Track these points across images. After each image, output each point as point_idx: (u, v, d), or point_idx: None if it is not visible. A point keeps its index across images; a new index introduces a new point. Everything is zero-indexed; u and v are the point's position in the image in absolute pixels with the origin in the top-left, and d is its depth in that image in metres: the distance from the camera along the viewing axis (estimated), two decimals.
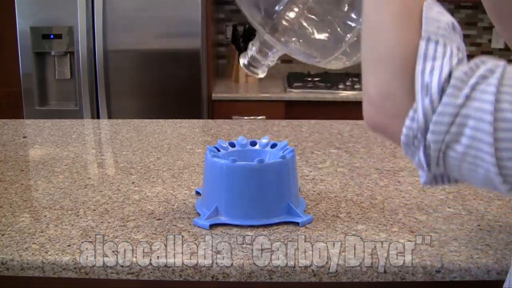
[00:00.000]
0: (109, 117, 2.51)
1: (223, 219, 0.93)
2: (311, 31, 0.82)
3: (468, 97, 0.49)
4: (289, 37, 0.83)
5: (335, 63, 0.84)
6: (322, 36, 0.82)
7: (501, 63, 0.50)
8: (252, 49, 0.87)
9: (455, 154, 0.51)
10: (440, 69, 0.50)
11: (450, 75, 0.50)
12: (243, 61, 0.87)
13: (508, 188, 0.50)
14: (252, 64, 0.87)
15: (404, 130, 0.52)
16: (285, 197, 0.96)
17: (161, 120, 1.71)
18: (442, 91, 0.50)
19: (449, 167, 0.52)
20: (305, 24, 0.81)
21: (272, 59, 0.87)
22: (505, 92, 0.48)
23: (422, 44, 0.52)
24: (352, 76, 2.76)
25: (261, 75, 0.89)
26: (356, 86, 2.63)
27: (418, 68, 0.51)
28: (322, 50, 0.84)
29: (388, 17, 0.55)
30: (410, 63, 0.52)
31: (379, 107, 0.55)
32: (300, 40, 0.83)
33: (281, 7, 0.80)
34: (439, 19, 0.54)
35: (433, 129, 0.50)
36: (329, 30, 0.81)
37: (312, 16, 0.81)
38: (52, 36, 2.45)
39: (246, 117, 2.46)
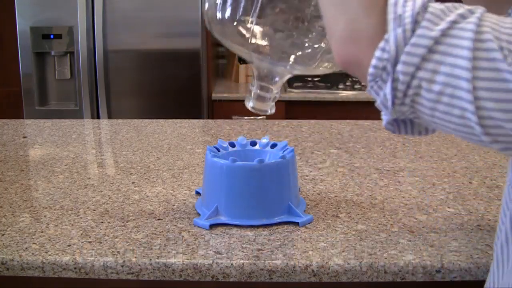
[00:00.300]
0: (109, 117, 2.51)
1: (223, 219, 0.93)
2: (289, 38, 0.82)
3: (445, 33, 0.48)
4: (274, 49, 0.83)
5: (324, 69, 0.84)
6: (300, 41, 0.82)
7: (481, 8, 0.50)
8: (253, 89, 0.88)
9: (430, 94, 0.49)
10: (413, 2, 0.50)
11: (424, 9, 0.49)
12: (248, 104, 0.89)
13: (482, 131, 0.49)
14: (258, 103, 0.88)
15: (373, 61, 0.51)
16: (285, 197, 0.96)
17: (161, 120, 1.71)
18: (415, 22, 0.49)
19: (421, 109, 0.51)
20: (281, 33, 0.82)
21: (275, 92, 0.88)
22: (485, 31, 0.47)
23: None
24: (352, 76, 2.76)
25: (270, 111, 0.90)
26: (356, 86, 2.63)
27: (391, 1, 0.50)
28: (307, 56, 0.84)
29: None
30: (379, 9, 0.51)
31: (350, 42, 0.52)
32: (282, 52, 0.84)
33: (253, 21, 0.80)
34: None
35: (405, 60, 0.49)
36: (308, 35, 0.82)
37: (287, 23, 0.81)
38: (52, 36, 2.45)
39: (246, 117, 2.46)
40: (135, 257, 0.82)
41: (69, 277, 0.82)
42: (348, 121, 1.69)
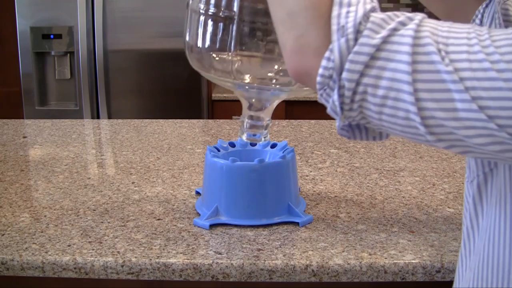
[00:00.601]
0: (109, 117, 2.51)
1: (223, 219, 0.93)
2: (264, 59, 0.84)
3: (385, 40, 0.50)
4: (255, 75, 0.85)
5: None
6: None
7: (420, 14, 0.52)
8: (245, 120, 0.91)
9: (375, 99, 0.52)
10: (355, 13, 0.52)
11: (366, 18, 0.51)
12: (242, 136, 0.92)
13: (426, 130, 0.51)
14: (251, 134, 0.91)
15: (320, 70, 0.53)
16: (285, 197, 0.96)
17: (161, 120, 1.71)
18: (357, 32, 0.51)
19: (369, 113, 0.53)
20: (259, 58, 0.84)
21: (267, 119, 0.91)
22: (423, 36, 0.50)
23: None
24: None
25: (264, 140, 0.93)
26: None
27: (334, 13, 0.53)
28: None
29: None
30: (325, 11, 0.53)
31: (299, 55, 0.55)
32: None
33: (232, 50, 0.82)
34: None
35: (348, 67, 0.51)
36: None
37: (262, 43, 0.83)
38: (52, 36, 2.45)
39: None
40: (135, 257, 0.82)
41: (69, 277, 0.82)
42: None
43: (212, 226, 0.92)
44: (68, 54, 2.49)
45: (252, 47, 0.82)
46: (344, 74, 0.51)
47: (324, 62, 0.52)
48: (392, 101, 0.51)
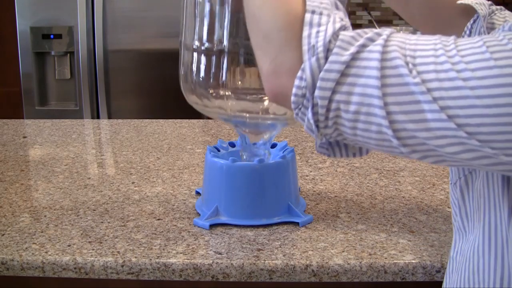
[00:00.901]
0: (109, 117, 2.51)
1: (223, 219, 0.93)
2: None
3: (354, 57, 0.51)
4: (250, 108, 0.88)
5: None
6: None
7: (388, 29, 0.53)
8: (244, 154, 0.95)
9: (348, 115, 0.52)
10: (325, 32, 0.53)
11: (335, 37, 0.52)
12: (245, 158, 0.95)
13: (399, 143, 0.52)
14: (254, 154, 0.95)
15: (294, 89, 0.54)
16: (285, 197, 0.96)
17: (161, 120, 1.71)
18: (327, 50, 0.52)
19: (344, 129, 0.54)
20: (252, 91, 0.86)
21: (265, 149, 0.95)
22: (391, 50, 0.51)
23: (307, 15, 0.54)
24: None
25: (269, 158, 0.96)
26: None
27: (305, 33, 0.54)
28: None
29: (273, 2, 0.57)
30: (297, 33, 0.54)
31: (274, 76, 0.56)
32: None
33: (225, 85, 0.84)
34: None
35: (320, 85, 0.52)
36: None
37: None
38: (52, 36, 2.45)
39: None
40: (135, 257, 0.82)
41: (69, 277, 0.82)
42: None
43: (212, 226, 0.92)
44: (68, 54, 2.49)
45: (245, 80, 0.84)
46: (317, 92, 0.52)
47: (297, 82, 0.54)
48: (365, 116, 0.52)
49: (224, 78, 0.83)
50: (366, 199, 1.06)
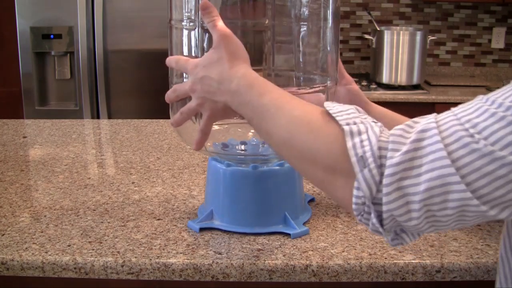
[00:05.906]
0: (109, 117, 2.51)
1: (216, 223, 0.91)
2: None
3: (410, 154, 0.51)
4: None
5: None
6: None
7: (430, 116, 0.54)
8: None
9: (415, 205, 0.52)
10: (369, 140, 0.53)
11: (380, 142, 0.53)
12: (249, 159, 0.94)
13: (488, 207, 0.51)
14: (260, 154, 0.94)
15: (353, 199, 0.55)
16: (281, 206, 0.92)
17: (161, 120, 1.71)
18: (379, 157, 0.52)
19: (412, 223, 0.53)
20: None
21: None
22: (445, 129, 0.51)
23: (345, 128, 0.55)
24: (351, 76, 2.75)
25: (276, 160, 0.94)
26: None
27: (349, 144, 0.54)
28: None
29: (304, 130, 0.59)
30: (342, 154, 0.55)
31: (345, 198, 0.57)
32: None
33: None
34: (343, 108, 0.58)
35: (386, 200, 0.52)
36: None
37: None
38: (52, 36, 2.45)
39: None
40: (135, 257, 0.82)
41: (69, 277, 0.82)
42: None
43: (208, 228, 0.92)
44: (68, 54, 2.49)
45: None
46: (384, 208, 0.53)
47: (355, 192, 0.54)
48: (439, 197, 0.51)
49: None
50: None
